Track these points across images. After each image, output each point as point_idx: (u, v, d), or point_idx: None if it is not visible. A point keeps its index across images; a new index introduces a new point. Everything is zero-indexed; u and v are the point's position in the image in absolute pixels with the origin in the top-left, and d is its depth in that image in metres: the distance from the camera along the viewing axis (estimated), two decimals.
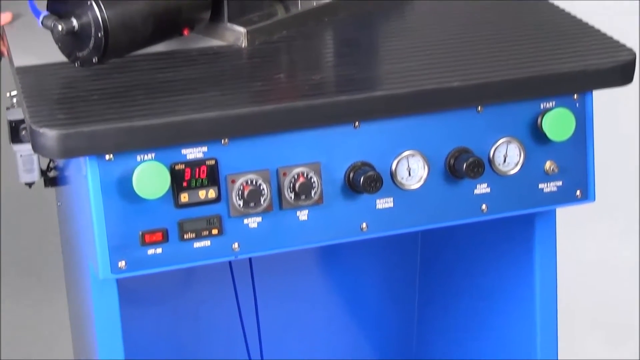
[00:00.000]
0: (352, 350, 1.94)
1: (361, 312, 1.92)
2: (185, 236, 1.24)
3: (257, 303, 1.67)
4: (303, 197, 1.27)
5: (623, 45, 1.39)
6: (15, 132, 1.48)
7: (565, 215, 1.61)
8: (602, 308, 2.35)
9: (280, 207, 1.27)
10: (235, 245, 1.26)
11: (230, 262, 1.64)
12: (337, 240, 1.31)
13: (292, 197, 1.26)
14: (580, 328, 2.24)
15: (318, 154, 1.27)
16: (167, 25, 1.34)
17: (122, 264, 1.23)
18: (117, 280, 1.27)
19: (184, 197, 1.23)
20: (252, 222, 1.26)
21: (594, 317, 2.31)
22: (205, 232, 1.25)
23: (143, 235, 1.22)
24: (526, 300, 1.50)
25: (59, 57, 1.32)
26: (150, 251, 1.23)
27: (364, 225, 1.31)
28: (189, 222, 1.24)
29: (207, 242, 1.25)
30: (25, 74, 1.33)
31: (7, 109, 1.49)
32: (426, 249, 1.87)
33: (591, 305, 2.36)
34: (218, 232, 1.25)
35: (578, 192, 1.38)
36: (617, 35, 1.42)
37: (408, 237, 1.87)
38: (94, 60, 1.28)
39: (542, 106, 1.34)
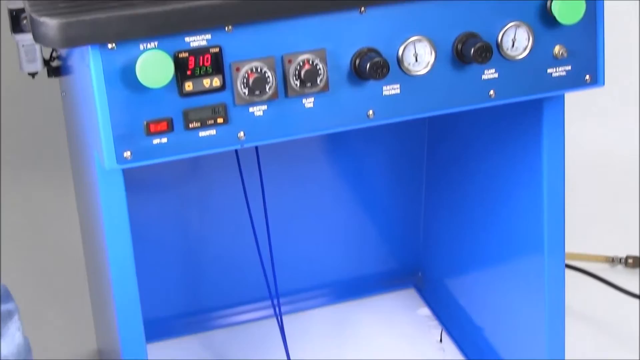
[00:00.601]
0: (359, 237, 1.95)
1: (368, 199, 1.93)
2: (190, 125, 1.23)
3: (264, 190, 1.67)
4: (309, 84, 1.25)
5: None
6: (16, 22, 1.45)
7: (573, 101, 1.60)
8: (605, 196, 2.35)
9: (286, 94, 1.26)
10: (241, 133, 1.26)
11: (236, 151, 1.63)
12: (343, 128, 1.30)
13: (298, 84, 1.25)
14: (583, 216, 2.24)
15: (323, 40, 1.25)
16: None
17: (127, 154, 1.22)
18: (123, 169, 1.27)
19: (189, 86, 1.22)
20: (258, 110, 1.25)
21: (598, 205, 2.31)
22: (211, 121, 1.24)
23: (148, 125, 1.22)
24: (533, 187, 1.50)
25: None
26: (156, 141, 1.23)
27: (371, 112, 1.30)
28: (194, 111, 1.23)
29: (212, 131, 1.24)
30: None
31: None
32: (433, 136, 1.86)
33: (595, 193, 2.36)
34: (223, 120, 1.24)
35: (587, 77, 1.37)
36: None
37: (415, 124, 1.86)
38: None
39: None
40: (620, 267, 2.09)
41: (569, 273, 1.80)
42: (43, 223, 2.23)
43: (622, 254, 2.11)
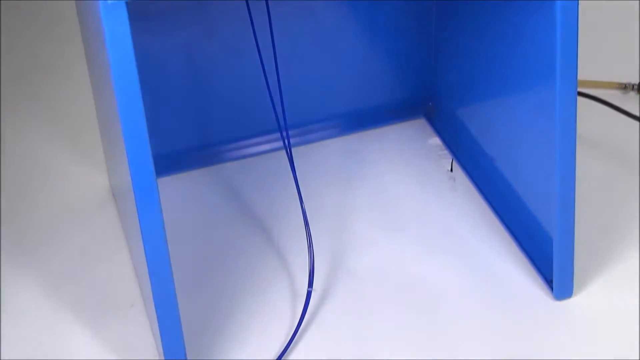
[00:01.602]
0: (368, 66, 1.93)
1: (378, 28, 1.90)
2: None
3: (271, 21, 1.64)
4: None
5: None
6: None
7: None
8: (618, 21, 2.31)
9: None
10: None
11: None
12: None
13: None
14: (596, 43, 2.21)
15: None
16: None
17: None
18: (127, 3, 1.24)
19: None
20: None
21: (611, 32, 2.28)
22: None
23: None
24: (547, 14, 1.46)
25: None
26: None
27: None
28: None
29: None
30: None
31: None
32: None
33: (608, 18, 2.32)
34: None
35: None
36: None
37: None
38: None
39: None
40: (632, 94, 2.08)
41: (580, 100, 1.78)
42: (48, 64, 2.21)
43: (635, 80, 2.09)
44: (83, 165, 1.93)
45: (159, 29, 1.76)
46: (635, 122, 1.94)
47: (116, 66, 1.28)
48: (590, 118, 1.94)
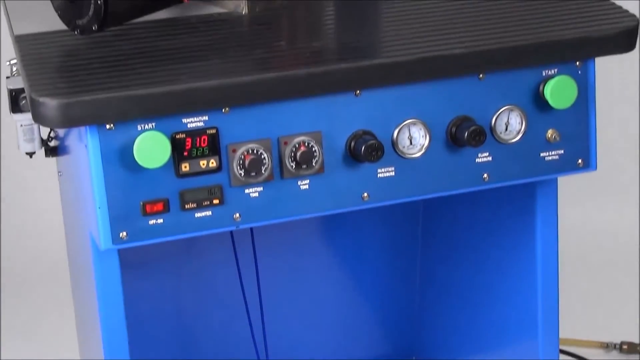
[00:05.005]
0: (352, 321, 1.94)
1: (361, 283, 1.92)
2: (186, 206, 1.23)
3: (259, 273, 1.67)
4: (304, 166, 1.26)
5: (626, 11, 1.38)
6: (15, 102, 1.47)
7: (567, 184, 1.61)
8: (599, 281, 2.34)
9: (282, 176, 1.26)
10: (237, 215, 1.26)
11: (231, 232, 1.63)
12: (338, 210, 1.30)
13: (293, 166, 1.26)
14: (577, 301, 2.24)
15: (319, 122, 1.26)
16: None
17: (123, 234, 1.22)
18: (119, 250, 1.27)
19: (185, 167, 1.22)
20: (253, 191, 1.26)
21: (592, 291, 2.31)
22: (207, 202, 1.24)
23: (144, 206, 1.22)
24: (528, 271, 1.50)
25: (58, 25, 1.32)
26: (152, 221, 1.23)
27: (365, 194, 1.30)
28: (190, 192, 1.23)
29: (208, 212, 1.25)
30: (24, 42, 1.32)
31: (7, 77, 1.48)
32: (428, 219, 1.87)
33: (589, 278, 2.35)
34: (219, 202, 1.25)
35: (580, 161, 1.38)
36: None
37: (410, 207, 1.87)
38: (94, 27, 1.27)
39: (544, 73, 1.33)
40: (615, 353, 2.08)
41: (563, 359, 1.79)
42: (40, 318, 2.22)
43: (617, 340, 2.10)
44: None
45: (148, 273, 1.78)
46: None
47: (104, 310, 1.30)
48: None
